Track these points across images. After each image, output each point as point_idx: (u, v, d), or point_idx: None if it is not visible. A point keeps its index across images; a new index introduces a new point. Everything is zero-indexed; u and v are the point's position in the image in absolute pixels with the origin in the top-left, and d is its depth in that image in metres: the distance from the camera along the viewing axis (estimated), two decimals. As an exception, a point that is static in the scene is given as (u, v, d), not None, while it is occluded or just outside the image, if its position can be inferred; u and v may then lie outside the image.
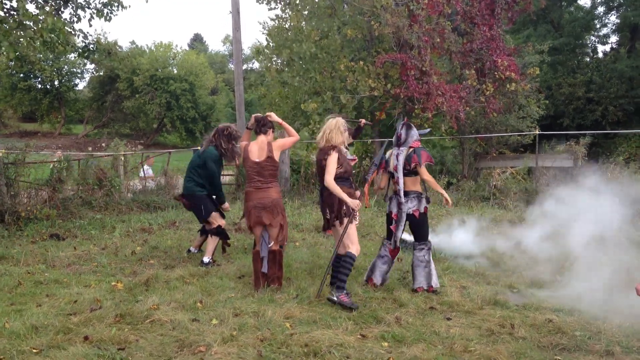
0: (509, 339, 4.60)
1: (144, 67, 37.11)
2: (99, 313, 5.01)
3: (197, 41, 68.53)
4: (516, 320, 4.99)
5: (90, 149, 33.99)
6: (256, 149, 5.88)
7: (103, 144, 35.00)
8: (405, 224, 6.14)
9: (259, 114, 6.11)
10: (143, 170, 13.68)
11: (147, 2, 10.90)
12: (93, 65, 38.61)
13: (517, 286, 6.15)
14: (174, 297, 5.55)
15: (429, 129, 7.27)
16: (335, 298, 5.31)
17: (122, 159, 12.94)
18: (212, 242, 7.13)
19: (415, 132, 6.13)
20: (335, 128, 5.55)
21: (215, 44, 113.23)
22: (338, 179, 5.45)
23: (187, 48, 56.72)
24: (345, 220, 5.53)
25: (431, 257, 6.04)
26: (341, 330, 4.73)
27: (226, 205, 7.36)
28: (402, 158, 5.99)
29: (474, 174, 14.38)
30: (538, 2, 15.26)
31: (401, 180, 5.98)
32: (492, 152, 14.88)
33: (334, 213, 5.55)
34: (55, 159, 12.40)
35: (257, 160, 5.84)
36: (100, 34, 38.06)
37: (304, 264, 7.00)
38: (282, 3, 16.82)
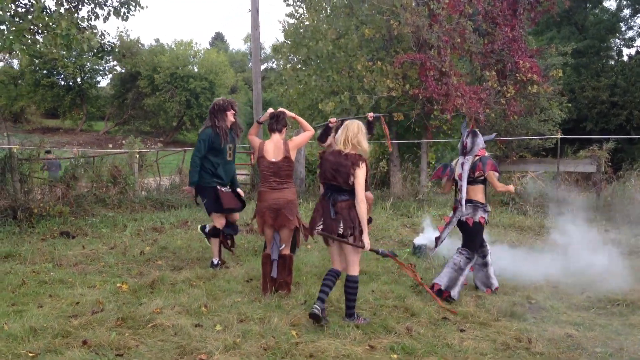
0: (526, 354, 4.38)
1: (165, 65, 37.27)
2: (100, 316, 4.89)
3: (218, 40, 68.78)
4: (533, 333, 4.75)
5: (110, 145, 34.24)
6: (272, 148, 5.68)
7: (123, 142, 35.34)
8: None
9: (273, 110, 5.88)
10: None
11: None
12: (115, 63, 38.91)
13: (535, 297, 5.89)
14: (179, 300, 5.41)
15: (494, 135, 7.06)
16: (352, 325, 4.88)
17: (137, 156, 12.87)
18: (214, 243, 6.86)
19: (480, 140, 6.09)
20: (361, 132, 4.94)
21: (236, 43, 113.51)
22: None
23: (208, 47, 56.93)
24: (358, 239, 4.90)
25: (467, 270, 5.91)
26: (349, 340, 4.54)
27: (187, 188, 6.85)
28: (467, 167, 5.95)
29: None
30: (562, 3, 14.88)
31: (464, 189, 5.93)
32: (512, 155, 14.56)
33: (350, 230, 4.86)
34: (72, 156, 12.39)
35: (274, 160, 5.64)
36: (122, 32, 38.48)
37: (314, 268, 6.82)
38: (298, 1, 16.65)
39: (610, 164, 12.73)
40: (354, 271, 4.97)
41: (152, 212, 11.11)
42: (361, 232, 4.86)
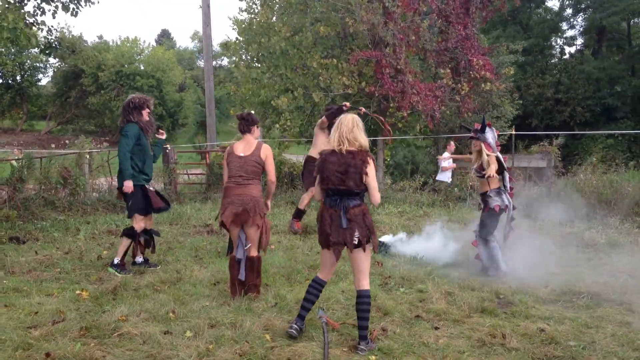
0: (502, 350, 4.38)
1: (110, 63, 36.27)
2: (62, 326, 4.61)
3: (164, 37, 67.46)
4: (507, 329, 4.75)
5: (53, 146, 33.05)
6: (242, 145, 5.61)
7: (67, 141, 34.20)
8: None
9: (245, 111, 5.80)
10: None
11: None
12: (57, 60, 37.63)
13: (503, 292, 5.93)
14: (144, 306, 5.17)
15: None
16: (367, 351, 4.33)
17: (88, 157, 12.40)
18: (124, 244, 6.53)
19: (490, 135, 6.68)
20: (356, 127, 4.40)
21: (184, 41, 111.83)
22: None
23: (155, 44, 55.77)
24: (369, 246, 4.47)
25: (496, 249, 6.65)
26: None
27: (127, 183, 6.35)
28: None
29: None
30: (513, 2, 15.19)
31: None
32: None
33: (367, 238, 4.38)
34: (16, 157, 11.83)
35: (242, 154, 5.53)
36: (64, 28, 37.18)
37: (281, 269, 6.68)
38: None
39: (560, 159, 13.08)
40: (367, 284, 4.42)
41: (105, 214, 10.72)
42: (376, 237, 4.48)
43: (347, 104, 8.19)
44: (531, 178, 12.68)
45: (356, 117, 4.49)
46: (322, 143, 8.22)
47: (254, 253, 5.62)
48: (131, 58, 38.36)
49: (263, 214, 5.58)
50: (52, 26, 10.15)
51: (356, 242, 4.34)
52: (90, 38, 55.33)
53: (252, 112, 5.86)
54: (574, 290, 5.93)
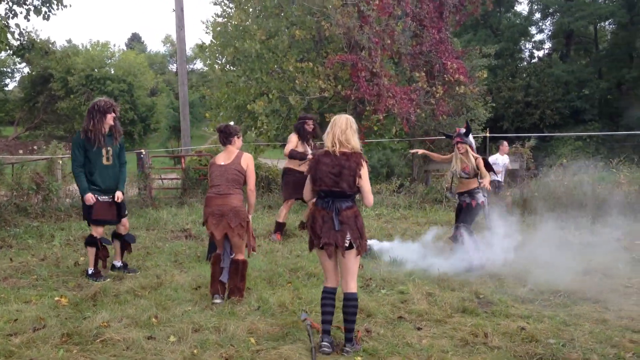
0: (485, 349, 4.44)
1: (79, 67, 35.82)
2: (42, 333, 4.54)
3: (135, 40, 66.76)
4: (488, 328, 4.82)
5: (21, 152, 32.45)
6: (224, 155, 5.66)
7: (35, 147, 33.59)
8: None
9: (223, 124, 5.80)
10: None
11: None
12: (24, 65, 36.95)
13: (483, 292, 6.02)
14: (126, 312, 5.12)
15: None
16: (353, 352, 4.37)
17: (60, 162, 12.20)
18: (90, 253, 6.50)
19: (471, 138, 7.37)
20: (350, 128, 4.37)
21: (155, 44, 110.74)
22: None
23: (125, 48, 55.14)
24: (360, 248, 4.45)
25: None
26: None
27: (87, 196, 6.29)
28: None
29: (424, 176, 14.39)
30: (485, 6, 15.44)
31: None
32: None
33: (358, 241, 4.37)
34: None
35: (223, 163, 5.56)
36: (32, 31, 36.53)
37: (262, 273, 6.66)
38: (227, 0, 16.41)
39: (532, 160, 13.31)
40: (355, 287, 4.45)
41: (79, 221, 10.52)
42: (365, 240, 4.47)
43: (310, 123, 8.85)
44: (505, 180, 12.86)
45: (350, 118, 4.47)
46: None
47: (239, 256, 5.64)
48: (101, 62, 37.96)
49: (245, 222, 5.58)
50: (24, 29, 10.01)
51: (347, 245, 4.33)
52: (59, 42, 54.44)
53: (232, 122, 5.88)
54: (551, 289, 6.04)
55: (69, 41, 44.00)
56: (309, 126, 8.86)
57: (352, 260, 4.41)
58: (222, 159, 5.63)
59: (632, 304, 5.54)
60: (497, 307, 5.52)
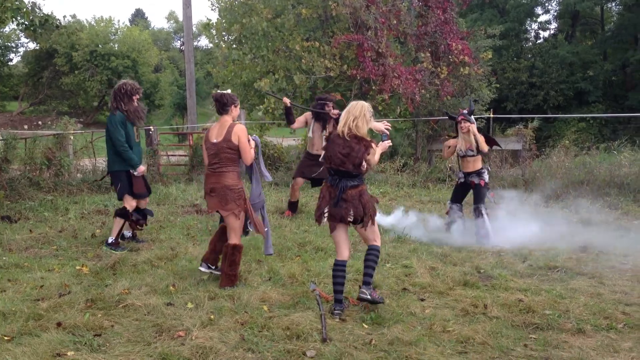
0: (484, 319, 4.70)
1: (84, 43, 35.78)
2: (68, 298, 4.83)
3: (138, 17, 66.50)
4: (488, 300, 5.08)
5: (26, 127, 32.58)
6: (217, 129, 5.39)
7: (40, 122, 33.68)
8: None
9: (218, 92, 5.54)
10: None
11: None
12: (28, 40, 36.92)
13: (483, 267, 6.28)
14: (145, 280, 5.41)
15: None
16: (368, 296, 4.71)
17: (72, 137, 12.44)
18: (117, 223, 6.84)
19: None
20: (361, 116, 4.66)
21: (158, 21, 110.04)
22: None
23: (129, 24, 54.96)
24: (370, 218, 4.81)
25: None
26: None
27: (140, 168, 6.87)
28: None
29: (427, 156, 14.59)
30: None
31: None
32: (444, 134, 15.12)
33: (361, 217, 4.72)
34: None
35: (215, 141, 5.33)
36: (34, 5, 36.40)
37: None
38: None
39: (534, 141, 13.48)
40: (378, 242, 4.89)
41: (91, 195, 10.80)
42: (372, 217, 4.80)
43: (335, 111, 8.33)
44: (507, 160, 13.09)
45: (366, 105, 4.76)
46: (317, 137, 8.59)
47: (232, 240, 5.42)
48: (106, 38, 37.89)
49: (240, 200, 5.38)
50: (37, 3, 10.14)
51: (351, 220, 4.69)
52: (61, 17, 54.37)
53: (229, 90, 5.60)
54: (550, 265, 6.28)
55: (74, 16, 43.83)
56: (331, 109, 8.41)
57: (367, 230, 4.81)
58: (214, 135, 5.38)
59: (626, 280, 5.78)
60: (497, 280, 5.77)
